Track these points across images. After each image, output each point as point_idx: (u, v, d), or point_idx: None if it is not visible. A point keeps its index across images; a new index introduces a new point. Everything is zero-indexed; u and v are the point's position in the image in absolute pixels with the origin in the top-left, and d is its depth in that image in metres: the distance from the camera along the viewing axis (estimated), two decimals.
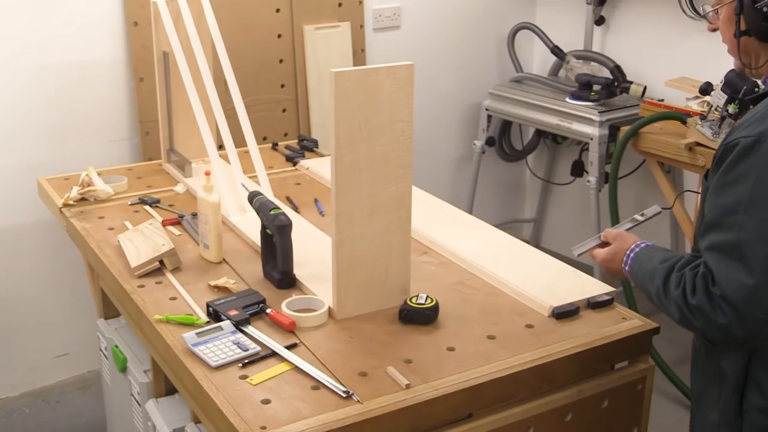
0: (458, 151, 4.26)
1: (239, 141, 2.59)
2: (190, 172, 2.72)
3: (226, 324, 1.85)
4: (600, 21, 3.98)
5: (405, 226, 1.93)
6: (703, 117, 3.02)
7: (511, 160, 4.34)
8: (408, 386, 1.66)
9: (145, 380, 2.17)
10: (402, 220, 1.92)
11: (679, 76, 3.50)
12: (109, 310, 2.50)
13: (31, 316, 3.31)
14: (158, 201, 2.56)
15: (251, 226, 2.28)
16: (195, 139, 2.67)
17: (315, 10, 3.58)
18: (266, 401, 1.62)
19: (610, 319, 1.94)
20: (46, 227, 3.18)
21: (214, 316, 1.90)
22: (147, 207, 2.53)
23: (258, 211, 2.07)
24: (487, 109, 4.00)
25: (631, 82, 3.61)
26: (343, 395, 1.63)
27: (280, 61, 3.55)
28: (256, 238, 2.18)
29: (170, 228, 2.38)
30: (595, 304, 1.97)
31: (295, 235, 2.03)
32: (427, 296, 1.91)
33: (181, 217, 2.44)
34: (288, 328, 1.85)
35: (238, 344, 1.78)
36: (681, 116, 3.19)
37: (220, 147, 2.63)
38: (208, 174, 2.20)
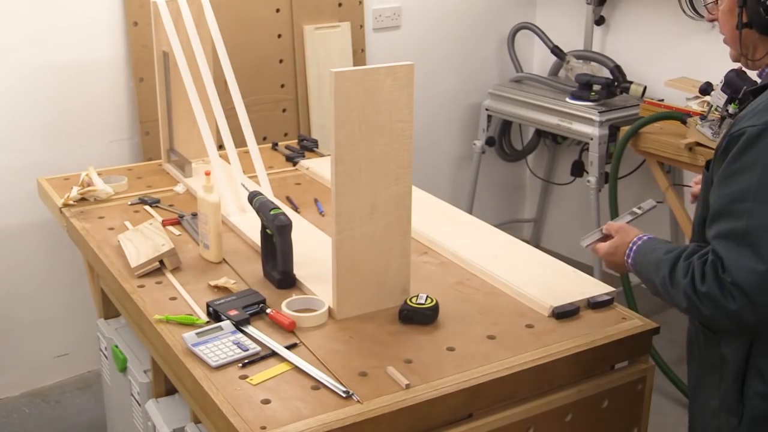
0: (458, 151, 4.26)
1: (239, 141, 2.59)
2: (190, 172, 2.72)
3: (226, 324, 1.85)
4: (600, 21, 3.98)
5: (405, 226, 1.93)
6: (703, 117, 3.02)
7: (511, 160, 4.34)
8: (408, 386, 1.66)
9: (145, 380, 2.17)
10: (402, 220, 1.92)
11: (679, 76, 3.50)
12: (109, 310, 2.50)
13: (31, 316, 3.31)
14: (158, 201, 2.57)
15: (251, 226, 2.28)
16: (195, 139, 2.67)
17: (315, 10, 3.58)
18: (266, 401, 1.62)
19: (610, 319, 1.94)
20: (46, 227, 3.18)
21: (214, 316, 1.90)
22: (147, 207, 2.53)
23: (258, 211, 2.07)
24: (487, 109, 4.00)
25: (631, 82, 3.61)
26: (343, 395, 1.63)
27: (280, 61, 3.55)
28: (256, 238, 2.18)
29: (170, 228, 2.38)
30: (595, 304, 1.97)
31: (295, 235, 2.03)
32: (427, 296, 1.91)
33: (181, 217, 2.44)
34: (288, 328, 1.85)
35: (238, 344, 1.78)
36: (681, 116, 3.19)
37: (220, 147, 2.63)
38: (208, 174, 2.20)
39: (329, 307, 1.92)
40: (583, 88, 3.63)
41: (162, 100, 2.78)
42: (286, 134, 3.59)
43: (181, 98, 2.67)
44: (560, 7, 4.17)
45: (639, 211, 1.93)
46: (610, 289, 2.03)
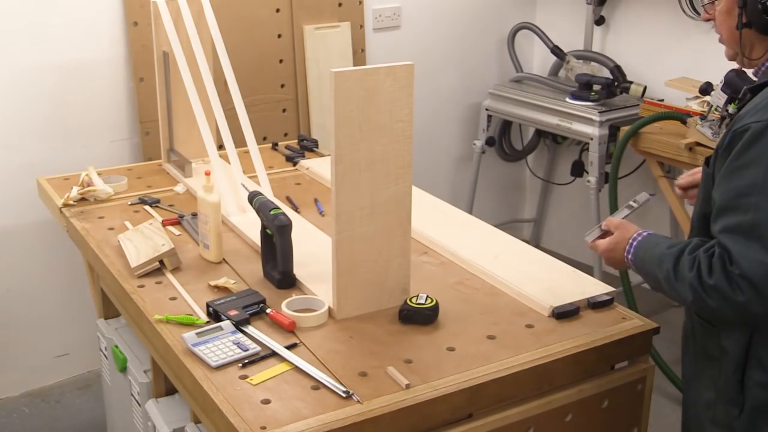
0: (458, 151, 4.26)
1: (239, 141, 2.59)
2: (190, 172, 2.72)
3: (226, 324, 1.85)
4: (600, 21, 3.98)
5: (405, 226, 1.93)
6: (703, 117, 3.02)
7: (511, 160, 4.34)
8: (408, 386, 1.66)
9: (145, 380, 2.17)
10: (402, 220, 1.92)
11: (679, 76, 3.50)
12: (109, 310, 2.50)
13: (31, 316, 3.31)
14: (158, 201, 2.57)
15: (251, 226, 2.28)
16: (195, 139, 2.67)
17: (315, 10, 3.58)
18: (266, 401, 1.62)
19: (610, 319, 1.94)
20: (46, 227, 3.18)
21: (214, 316, 1.90)
22: (147, 207, 2.53)
23: (258, 211, 2.07)
24: (487, 109, 4.00)
25: (631, 82, 3.61)
26: (343, 395, 1.63)
27: (280, 61, 3.55)
28: (256, 238, 2.18)
29: (170, 228, 2.38)
30: (595, 304, 1.97)
31: (295, 235, 2.03)
32: (427, 296, 1.91)
33: (181, 217, 2.44)
34: (288, 328, 1.85)
35: (238, 344, 1.78)
36: (681, 116, 3.19)
37: (220, 147, 2.63)
38: (208, 174, 2.20)
39: (329, 307, 1.92)
40: (583, 88, 3.63)
41: (162, 100, 2.78)
42: (286, 134, 3.59)
43: (181, 98, 2.67)
44: (560, 7, 4.17)
45: (635, 205, 1.94)
46: (610, 289, 2.03)
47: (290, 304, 1.93)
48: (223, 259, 2.20)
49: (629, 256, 1.73)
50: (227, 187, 2.49)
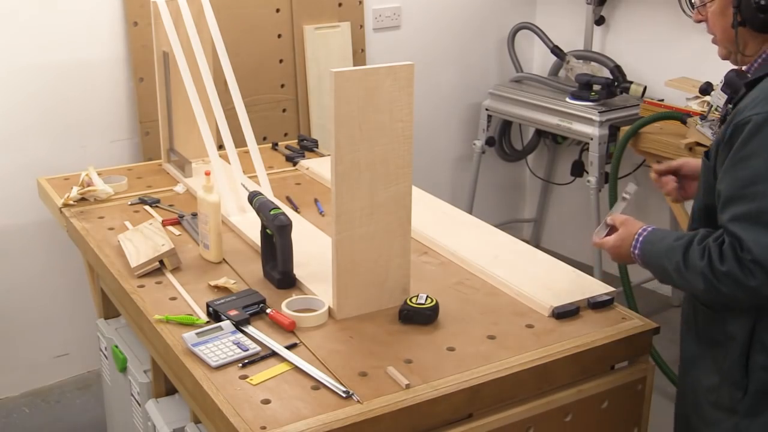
0: (458, 151, 4.26)
1: (239, 141, 2.59)
2: (190, 172, 2.72)
3: (226, 324, 1.85)
4: (600, 21, 3.98)
5: (405, 226, 1.93)
6: (703, 117, 3.02)
7: (511, 160, 4.34)
8: (408, 386, 1.66)
9: (145, 380, 2.17)
10: (402, 220, 1.92)
11: (679, 76, 3.50)
12: (109, 310, 2.50)
13: (31, 316, 3.31)
14: (158, 201, 2.57)
15: (251, 226, 2.28)
16: (195, 139, 2.67)
17: (315, 10, 3.58)
18: (266, 401, 1.62)
19: (610, 319, 1.94)
20: (46, 227, 3.18)
21: (214, 316, 1.90)
22: (147, 207, 2.53)
23: (258, 211, 2.07)
24: (487, 109, 4.00)
25: (631, 82, 3.61)
26: (343, 395, 1.63)
27: (280, 61, 3.55)
28: (256, 238, 2.18)
29: (170, 228, 2.38)
30: (595, 304, 1.97)
31: (295, 235, 2.03)
32: (427, 296, 1.91)
33: (181, 217, 2.44)
34: (288, 328, 1.85)
35: (238, 344, 1.78)
36: (681, 116, 3.19)
37: (220, 147, 2.63)
38: (208, 174, 2.20)
39: (329, 307, 1.92)
40: (583, 88, 3.63)
41: (162, 100, 2.78)
42: (286, 134, 3.59)
43: (181, 98, 2.67)
44: (560, 7, 4.17)
45: (628, 197, 1.99)
46: (610, 289, 2.03)
47: (290, 304, 1.93)
48: (223, 259, 2.20)
49: (636, 251, 1.77)
50: (227, 187, 2.49)
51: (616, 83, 3.61)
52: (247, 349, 1.77)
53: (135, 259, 2.14)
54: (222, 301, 1.92)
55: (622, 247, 1.80)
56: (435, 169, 4.17)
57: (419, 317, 1.88)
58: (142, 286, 2.07)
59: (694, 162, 1.99)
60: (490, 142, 4.06)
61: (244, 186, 2.38)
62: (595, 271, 3.57)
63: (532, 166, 4.46)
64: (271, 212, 2.01)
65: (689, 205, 1.90)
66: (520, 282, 2.04)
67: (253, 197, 2.10)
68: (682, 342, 1.87)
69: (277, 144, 3.08)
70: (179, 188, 2.68)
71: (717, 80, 2.86)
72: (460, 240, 2.28)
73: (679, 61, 3.65)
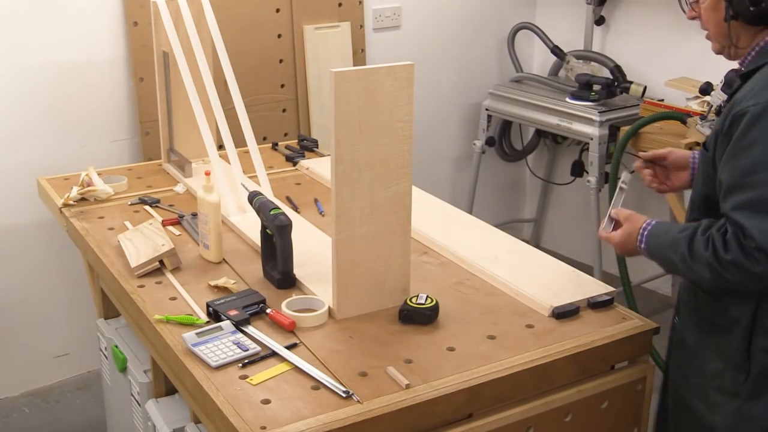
0: (458, 151, 4.26)
1: (239, 141, 2.59)
2: (190, 172, 2.72)
3: (226, 324, 1.85)
4: (600, 21, 3.98)
5: (405, 226, 1.93)
6: (703, 117, 3.02)
7: (511, 160, 4.34)
8: (408, 386, 1.66)
9: (145, 380, 2.17)
10: (402, 220, 1.92)
11: (679, 76, 3.50)
12: (109, 310, 2.50)
13: (31, 316, 3.31)
14: (158, 201, 2.57)
15: (251, 226, 2.28)
16: (195, 139, 2.67)
17: (315, 10, 3.58)
18: (266, 401, 1.62)
19: (610, 319, 1.94)
20: (46, 227, 3.18)
21: (214, 316, 1.90)
22: (147, 207, 2.53)
23: (258, 211, 2.07)
24: (487, 109, 4.00)
25: (631, 82, 3.61)
26: (343, 395, 1.63)
27: (280, 61, 3.55)
28: (256, 238, 2.18)
29: (170, 228, 2.38)
30: (595, 304, 1.97)
31: (295, 235, 2.03)
32: (427, 296, 1.91)
33: (181, 217, 2.44)
34: (288, 328, 1.85)
35: (238, 344, 1.78)
36: (681, 116, 3.19)
37: (220, 147, 2.63)
38: (208, 174, 2.20)
39: (329, 307, 1.92)
40: (583, 88, 3.63)
41: (162, 100, 2.78)
42: (286, 134, 3.59)
43: (181, 98, 2.67)
44: (560, 7, 4.17)
45: (625, 186, 2.03)
46: (610, 289, 2.03)
47: (290, 304, 1.93)
48: (223, 259, 2.20)
49: (641, 245, 1.80)
50: (227, 187, 2.49)
51: (616, 83, 3.61)
52: (247, 349, 1.77)
53: (135, 259, 2.14)
54: (222, 301, 1.92)
55: (628, 242, 1.83)
56: (435, 169, 4.17)
57: (419, 317, 1.88)
58: (142, 286, 2.07)
59: (680, 152, 2.04)
60: (490, 142, 4.06)
61: (244, 186, 2.38)
62: (595, 271, 3.57)
63: (532, 166, 4.46)
64: (271, 212, 2.01)
65: (687, 199, 1.92)
66: (520, 282, 2.04)
67: (253, 197, 2.10)
68: (682, 330, 1.88)
69: (277, 144, 3.08)
70: (179, 188, 2.68)
71: (717, 80, 2.86)
72: (460, 240, 2.28)
73: (679, 61, 3.65)
